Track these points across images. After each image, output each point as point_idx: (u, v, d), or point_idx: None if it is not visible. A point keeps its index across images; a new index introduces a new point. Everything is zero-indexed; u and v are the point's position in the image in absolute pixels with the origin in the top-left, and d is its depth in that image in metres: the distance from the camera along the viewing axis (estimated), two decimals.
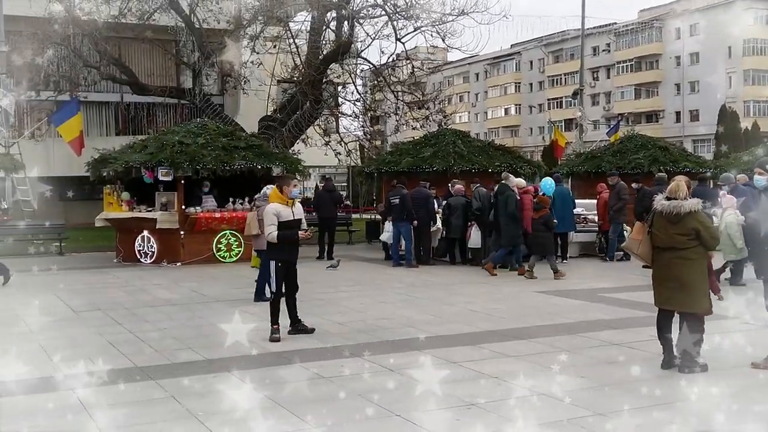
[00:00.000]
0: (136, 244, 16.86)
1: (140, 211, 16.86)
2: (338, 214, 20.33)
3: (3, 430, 5.39)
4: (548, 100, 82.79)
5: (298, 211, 8.66)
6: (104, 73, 24.90)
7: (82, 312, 10.65)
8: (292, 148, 22.90)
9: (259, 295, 11.07)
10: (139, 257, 16.84)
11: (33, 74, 24.04)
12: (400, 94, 26.24)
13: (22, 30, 23.66)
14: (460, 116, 78.84)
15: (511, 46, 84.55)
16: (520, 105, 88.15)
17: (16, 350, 8.10)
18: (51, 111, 26.54)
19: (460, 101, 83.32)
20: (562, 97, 78.14)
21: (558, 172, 19.16)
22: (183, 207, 16.62)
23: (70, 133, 22.92)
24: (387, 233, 16.92)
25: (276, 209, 8.48)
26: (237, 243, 16.92)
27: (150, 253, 16.77)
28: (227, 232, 16.85)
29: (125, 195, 17.20)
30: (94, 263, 17.38)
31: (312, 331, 8.80)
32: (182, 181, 16.64)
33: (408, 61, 26.27)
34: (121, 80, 25.41)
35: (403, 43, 24.92)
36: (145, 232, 16.75)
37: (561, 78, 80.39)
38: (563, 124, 66.43)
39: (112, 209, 17.48)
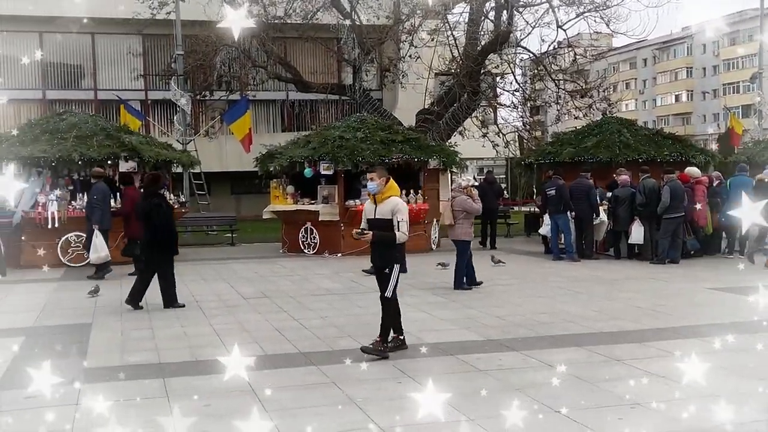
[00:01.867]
0: (300, 235, 17.54)
1: (304, 204, 17.51)
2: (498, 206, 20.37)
3: (162, 406, 5.77)
4: (723, 85, 77.51)
5: (382, 210, 7.39)
6: (271, 72, 26.06)
7: (251, 299, 11.21)
8: (449, 141, 22.90)
9: (459, 284, 11.71)
10: (302, 248, 17.50)
11: (207, 75, 25.65)
12: (561, 82, 25.53)
13: (197, 34, 25.26)
14: (626, 104, 75.66)
15: (682, 29, 79.84)
16: (692, 91, 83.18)
17: (192, 333, 8.68)
18: (223, 110, 28.17)
19: (627, 88, 79.86)
20: (738, 82, 72.93)
21: (735, 161, 17.89)
22: (343, 200, 17.07)
23: (241, 130, 24.19)
24: (546, 226, 16.53)
25: (366, 206, 7.74)
26: None
27: (313, 244, 17.38)
28: None
29: (290, 188, 17.94)
30: (262, 253, 18.26)
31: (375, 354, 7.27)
32: (342, 175, 17.09)
33: (570, 49, 25.48)
34: (287, 78, 26.49)
35: (565, 30, 24.23)
36: (308, 224, 17.37)
37: (737, 61, 75.02)
38: (740, 110, 61.91)
39: (278, 202, 18.29)
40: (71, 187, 15.77)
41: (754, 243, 14.10)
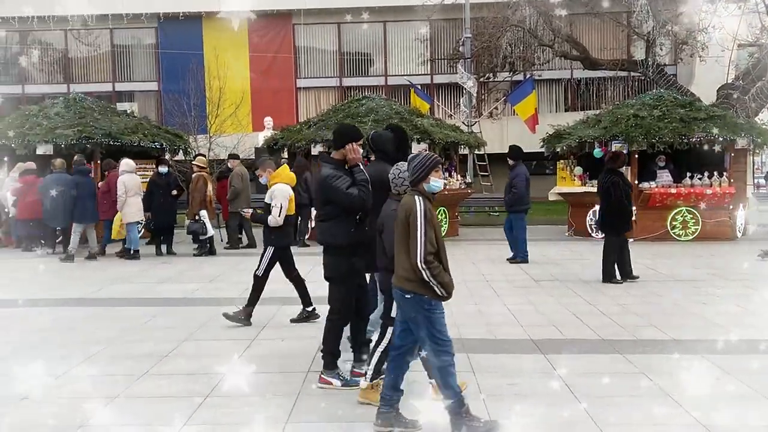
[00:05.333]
0: (588, 218, 16.97)
1: (592, 186, 16.89)
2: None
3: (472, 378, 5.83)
4: None
5: (268, 195, 7.97)
6: (557, 50, 25.51)
7: (542, 281, 11.09)
8: (757, 117, 20.71)
9: None
10: (590, 231, 16.93)
11: (492, 57, 25.80)
12: None
13: (484, 15, 25.45)
14: None
15: None
16: None
17: (487, 311, 8.78)
18: (507, 91, 28.20)
19: None
20: None
21: None
22: (636, 182, 16.20)
23: (526, 111, 24.00)
24: None
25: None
26: (694, 221, 15.93)
27: None
28: (683, 209, 15.97)
29: (578, 170, 17.46)
30: (546, 235, 17.97)
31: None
32: (636, 156, 16.22)
33: None
34: (573, 56, 25.77)
35: None
36: (596, 207, 16.72)
37: None
38: None
39: (564, 184, 17.89)
40: None
41: None
